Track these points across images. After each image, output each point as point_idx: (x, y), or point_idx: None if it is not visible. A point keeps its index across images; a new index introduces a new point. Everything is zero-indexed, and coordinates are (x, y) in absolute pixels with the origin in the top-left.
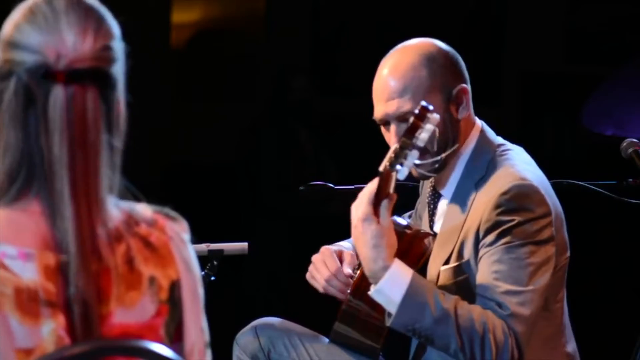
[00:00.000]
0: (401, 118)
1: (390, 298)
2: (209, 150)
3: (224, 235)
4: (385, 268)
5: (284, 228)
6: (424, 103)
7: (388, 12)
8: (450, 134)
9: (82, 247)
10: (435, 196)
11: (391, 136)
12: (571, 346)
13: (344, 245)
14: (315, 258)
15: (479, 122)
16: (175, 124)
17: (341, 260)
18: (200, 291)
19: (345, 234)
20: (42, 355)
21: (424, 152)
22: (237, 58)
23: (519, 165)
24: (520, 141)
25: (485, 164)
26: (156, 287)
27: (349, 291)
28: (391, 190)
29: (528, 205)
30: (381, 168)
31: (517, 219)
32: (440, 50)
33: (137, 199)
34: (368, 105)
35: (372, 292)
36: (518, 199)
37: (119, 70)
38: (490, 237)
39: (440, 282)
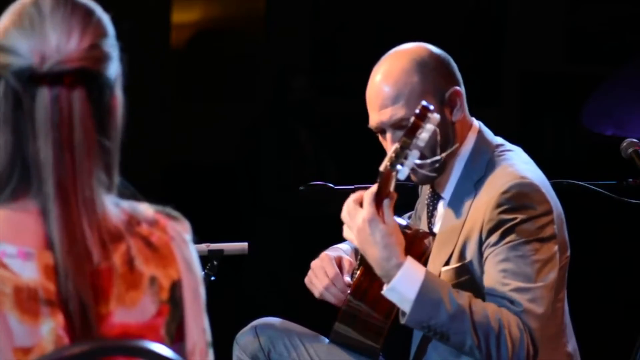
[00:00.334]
0: (396, 125)
1: (405, 295)
2: (209, 150)
3: (224, 235)
4: (399, 266)
5: (284, 228)
6: (424, 103)
7: (388, 13)
8: (449, 135)
9: (70, 248)
10: (435, 197)
11: (387, 144)
12: (572, 345)
13: (343, 248)
14: (314, 264)
15: (477, 123)
16: (175, 124)
17: (340, 267)
18: (202, 291)
19: None
20: (42, 354)
21: (424, 152)
22: (237, 58)
23: (518, 164)
24: (520, 141)
25: (484, 164)
26: (157, 287)
27: (349, 291)
28: (391, 190)
29: (529, 204)
30: (382, 168)
31: (519, 217)
32: (431, 54)
33: (136, 198)
34: None
35: (385, 290)
36: (519, 198)
37: (112, 69)
38: (494, 237)
39: None
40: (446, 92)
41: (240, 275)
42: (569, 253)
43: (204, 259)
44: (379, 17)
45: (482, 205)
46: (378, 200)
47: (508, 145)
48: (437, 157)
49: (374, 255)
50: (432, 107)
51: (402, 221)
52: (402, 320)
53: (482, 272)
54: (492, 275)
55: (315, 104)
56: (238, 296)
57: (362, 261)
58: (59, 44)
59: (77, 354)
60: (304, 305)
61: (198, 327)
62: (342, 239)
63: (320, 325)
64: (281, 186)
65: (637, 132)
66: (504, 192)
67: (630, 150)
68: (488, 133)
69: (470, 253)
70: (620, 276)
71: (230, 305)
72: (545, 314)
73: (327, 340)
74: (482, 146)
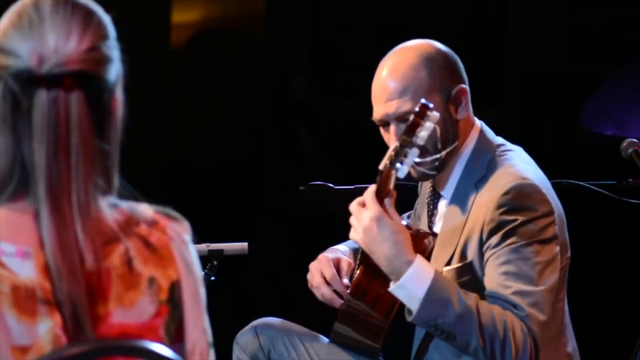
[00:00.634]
0: (401, 118)
1: (413, 293)
2: (209, 151)
3: (224, 235)
4: (409, 263)
5: (284, 228)
6: (423, 101)
7: (388, 12)
8: (450, 133)
9: (62, 250)
10: (435, 197)
11: (391, 136)
12: (571, 345)
13: (341, 249)
14: (312, 266)
15: (479, 123)
16: (175, 124)
17: (338, 269)
18: (202, 292)
19: (345, 234)
20: (40, 353)
21: (424, 151)
22: (237, 58)
23: (519, 165)
24: (520, 141)
25: (485, 164)
26: (156, 287)
27: (348, 291)
28: (391, 188)
29: (530, 205)
30: (381, 166)
31: (520, 218)
32: (439, 51)
33: (136, 199)
34: (368, 105)
35: (393, 287)
36: (520, 199)
37: (112, 71)
38: (495, 239)
39: None
40: (452, 90)
41: (240, 275)
42: (569, 254)
43: (204, 259)
44: (379, 17)
45: (483, 205)
46: (379, 199)
47: (509, 145)
48: (437, 155)
49: (383, 253)
50: (431, 105)
51: (402, 221)
52: (409, 318)
53: (483, 272)
54: (494, 278)
55: (315, 104)
56: (238, 296)
57: (361, 261)
58: (57, 45)
59: (76, 354)
60: (304, 305)
61: (198, 327)
62: (342, 239)
63: (320, 325)
64: (281, 186)
65: (637, 132)
66: (505, 193)
67: (630, 150)
68: (489, 133)
69: (472, 253)
70: (620, 276)
71: (230, 305)
72: (547, 318)
73: (327, 340)
74: (483, 146)
